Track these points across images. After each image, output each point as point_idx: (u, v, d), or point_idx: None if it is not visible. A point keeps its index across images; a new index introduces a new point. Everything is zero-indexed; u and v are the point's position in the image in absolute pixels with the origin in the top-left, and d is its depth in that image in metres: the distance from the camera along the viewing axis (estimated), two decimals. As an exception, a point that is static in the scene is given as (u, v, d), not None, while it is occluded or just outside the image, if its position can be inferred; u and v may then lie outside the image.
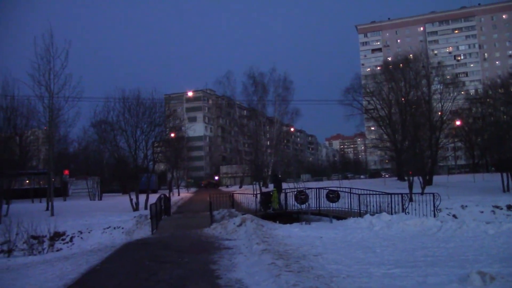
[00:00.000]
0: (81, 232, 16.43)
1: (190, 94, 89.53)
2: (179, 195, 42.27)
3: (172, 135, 36.35)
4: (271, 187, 29.04)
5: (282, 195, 20.13)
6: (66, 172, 37.38)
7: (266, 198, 20.37)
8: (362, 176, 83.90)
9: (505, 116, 32.91)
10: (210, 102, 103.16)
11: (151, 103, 25.21)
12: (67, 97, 21.57)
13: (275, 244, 10.61)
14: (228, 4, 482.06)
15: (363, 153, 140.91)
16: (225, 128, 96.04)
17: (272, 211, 19.22)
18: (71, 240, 15.92)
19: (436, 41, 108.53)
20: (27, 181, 36.94)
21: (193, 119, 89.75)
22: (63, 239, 15.89)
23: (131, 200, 23.26)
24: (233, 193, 22.88)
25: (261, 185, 37.83)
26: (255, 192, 23.84)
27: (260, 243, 10.35)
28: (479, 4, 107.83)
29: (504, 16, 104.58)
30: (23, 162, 29.15)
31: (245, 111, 58.78)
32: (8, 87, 22.48)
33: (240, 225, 14.14)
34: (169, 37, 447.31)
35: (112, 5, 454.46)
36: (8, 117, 22.85)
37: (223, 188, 57.95)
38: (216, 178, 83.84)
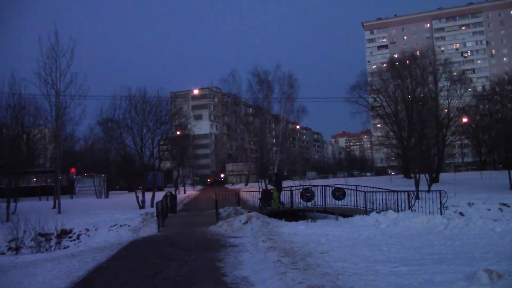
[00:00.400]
0: (87, 230, 16.53)
1: (195, 92, 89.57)
2: (185, 193, 42.39)
3: (178, 133, 36.49)
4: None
5: (288, 193, 20.15)
6: (73, 170, 37.57)
7: (266, 196, 20.45)
8: (368, 174, 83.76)
9: (512, 113, 32.69)
10: (216, 100, 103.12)
11: (157, 101, 25.33)
12: (73, 96, 21.71)
13: (281, 241, 10.61)
14: (233, 2, 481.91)
15: (369, 151, 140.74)
16: (231, 126, 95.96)
17: (271, 208, 19.37)
18: (78, 237, 16.04)
19: (443, 38, 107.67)
20: (34, 179, 37.13)
21: (198, 117, 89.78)
22: (70, 237, 16.01)
23: (137, 198, 23.41)
24: (238, 191, 22.85)
25: (266, 183, 37.83)
26: (260, 190, 23.86)
27: (266, 240, 10.34)
28: (486, 0, 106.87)
29: (511, 12, 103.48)
30: (30, 160, 29.30)
31: (250, 109, 58.64)
32: (15, 86, 22.68)
33: (246, 222, 14.16)
34: (175, 36, 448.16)
35: (117, 3, 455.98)
36: (16, 116, 23.04)
37: (229, 186, 58.00)
38: (222, 176, 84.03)
